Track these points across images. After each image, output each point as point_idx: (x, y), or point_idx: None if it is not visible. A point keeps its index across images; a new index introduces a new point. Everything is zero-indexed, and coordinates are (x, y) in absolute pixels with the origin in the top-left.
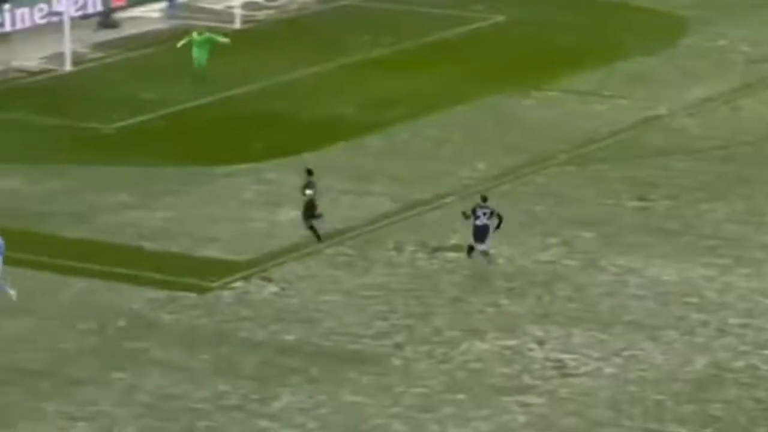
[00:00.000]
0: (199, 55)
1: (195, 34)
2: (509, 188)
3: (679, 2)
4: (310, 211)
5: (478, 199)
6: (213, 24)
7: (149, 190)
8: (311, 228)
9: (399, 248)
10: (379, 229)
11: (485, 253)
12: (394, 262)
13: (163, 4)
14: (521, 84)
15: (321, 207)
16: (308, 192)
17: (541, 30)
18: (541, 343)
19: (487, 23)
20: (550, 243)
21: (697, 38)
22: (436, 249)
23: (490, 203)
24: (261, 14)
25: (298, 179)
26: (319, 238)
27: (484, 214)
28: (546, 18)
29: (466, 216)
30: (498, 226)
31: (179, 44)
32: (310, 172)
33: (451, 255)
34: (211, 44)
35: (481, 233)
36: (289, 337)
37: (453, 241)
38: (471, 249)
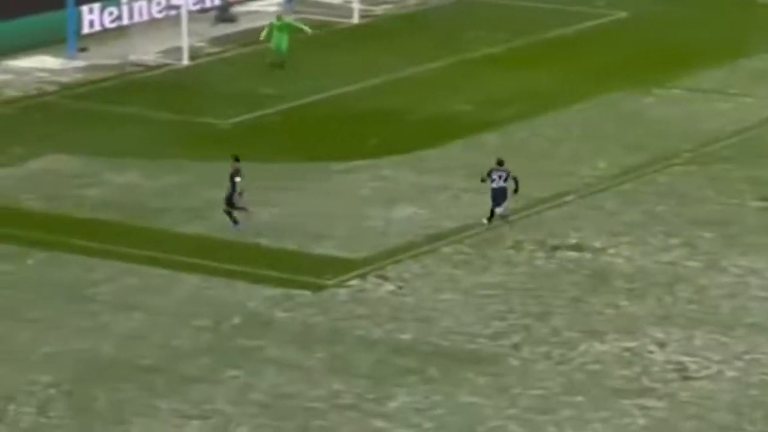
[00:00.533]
0: (278, 40)
1: (275, 20)
2: (630, 187)
3: None
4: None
5: (597, 192)
6: (330, 18)
7: (265, 185)
8: (228, 213)
9: (517, 247)
10: (497, 227)
11: (503, 217)
12: (513, 261)
13: None
14: (642, 81)
15: (430, 204)
16: (237, 179)
17: (664, 26)
18: (661, 345)
19: (609, 19)
20: (671, 243)
21: None
22: (556, 248)
23: (508, 166)
24: (379, 9)
25: (415, 176)
26: (235, 222)
27: (500, 176)
28: (669, 14)
29: (482, 180)
30: (516, 190)
31: (261, 36)
32: (236, 159)
33: (571, 254)
34: (291, 31)
35: (498, 196)
36: (405, 336)
37: (573, 241)
38: (492, 215)
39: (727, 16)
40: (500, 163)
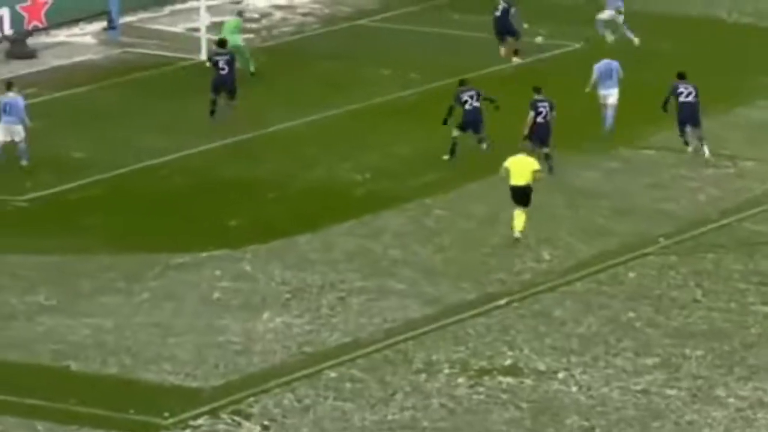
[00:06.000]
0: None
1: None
2: (587, 287)
3: None
4: None
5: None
6: (170, 54)
7: (77, 287)
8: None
9: (430, 370)
10: (402, 342)
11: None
12: (424, 390)
13: (99, 26)
14: (604, 139)
15: (309, 311)
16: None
17: (632, 63)
18: None
19: (561, 52)
20: (645, 364)
21: None
22: (483, 372)
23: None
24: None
25: (288, 272)
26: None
27: (471, 97)
28: (640, 46)
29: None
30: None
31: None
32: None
33: (505, 380)
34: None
35: (473, 119)
36: None
37: (507, 361)
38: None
39: (718, 49)
40: (461, 83)
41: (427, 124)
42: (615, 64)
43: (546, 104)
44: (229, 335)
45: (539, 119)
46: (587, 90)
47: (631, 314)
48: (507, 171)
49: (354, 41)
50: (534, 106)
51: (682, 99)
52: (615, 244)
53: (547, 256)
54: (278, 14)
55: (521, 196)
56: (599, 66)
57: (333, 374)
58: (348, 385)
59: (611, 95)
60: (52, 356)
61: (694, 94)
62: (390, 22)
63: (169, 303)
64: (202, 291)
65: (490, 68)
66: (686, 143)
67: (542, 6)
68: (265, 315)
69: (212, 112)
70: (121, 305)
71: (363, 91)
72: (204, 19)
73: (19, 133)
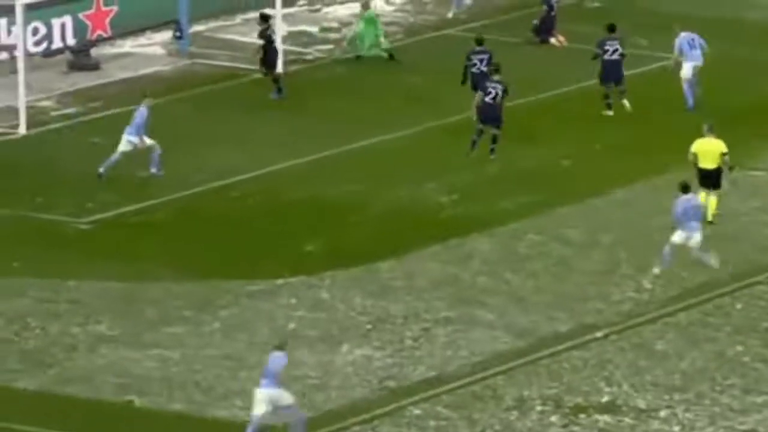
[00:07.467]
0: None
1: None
2: (691, 318)
3: None
4: None
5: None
6: (239, 65)
7: (142, 316)
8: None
9: (522, 407)
10: (491, 377)
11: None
12: (515, 429)
13: (167, 35)
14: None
15: (390, 343)
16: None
17: (746, 74)
18: None
19: (662, 65)
20: (753, 402)
21: None
22: (579, 409)
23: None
24: (314, 51)
25: (368, 300)
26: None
27: (481, 60)
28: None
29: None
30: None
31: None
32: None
33: (602, 419)
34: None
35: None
36: None
37: (605, 398)
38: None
39: None
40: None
41: (518, 142)
42: (696, 36)
43: (499, 86)
44: (305, 369)
45: (488, 99)
46: (673, 64)
47: (739, 348)
48: (695, 156)
49: (440, 52)
50: (483, 87)
51: (607, 57)
52: (721, 272)
53: (648, 285)
54: (361, 24)
55: (711, 179)
56: (681, 40)
57: (417, 411)
58: (432, 422)
59: (695, 67)
60: (115, 390)
61: (619, 51)
62: (477, 32)
63: (241, 334)
64: (277, 321)
65: (586, 82)
66: (609, 106)
67: (640, 12)
68: (344, 347)
69: (279, 90)
70: (188, 336)
71: (450, 105)
72: (279, 29)
73: (144, 142)
